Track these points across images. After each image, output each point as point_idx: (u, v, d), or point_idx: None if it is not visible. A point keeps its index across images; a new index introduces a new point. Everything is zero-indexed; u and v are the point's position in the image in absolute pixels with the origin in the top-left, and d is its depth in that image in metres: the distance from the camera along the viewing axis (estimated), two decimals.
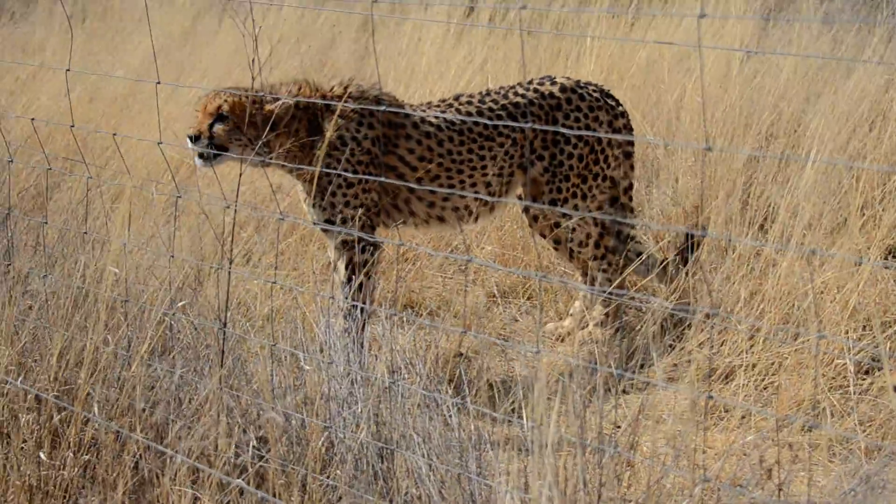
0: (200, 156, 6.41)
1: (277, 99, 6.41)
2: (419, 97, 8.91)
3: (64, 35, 11.63)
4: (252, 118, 6.37)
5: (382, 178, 5.81)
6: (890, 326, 6.25)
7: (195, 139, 6.38)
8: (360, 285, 6.44)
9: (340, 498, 4.49)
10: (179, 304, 5.21)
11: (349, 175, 5.69)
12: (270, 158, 6.42)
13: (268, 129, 6.35)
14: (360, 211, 6.45)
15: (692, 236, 6.71)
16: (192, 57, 10.91)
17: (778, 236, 6.81)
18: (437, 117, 6.59)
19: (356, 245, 6.45)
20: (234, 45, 10.68)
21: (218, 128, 6.38)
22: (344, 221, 6.44)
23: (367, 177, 5.76)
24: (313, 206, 6.49)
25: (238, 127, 6.37)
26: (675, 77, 8.75)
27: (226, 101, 6.38)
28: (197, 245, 6.88)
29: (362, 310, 6.30)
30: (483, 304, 7.29)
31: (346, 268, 6.50)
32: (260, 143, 6.33)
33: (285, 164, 6.42)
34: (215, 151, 6.39)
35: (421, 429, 4.48)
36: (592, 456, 3.93)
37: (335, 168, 6.41)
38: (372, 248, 6.50)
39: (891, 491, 4.39)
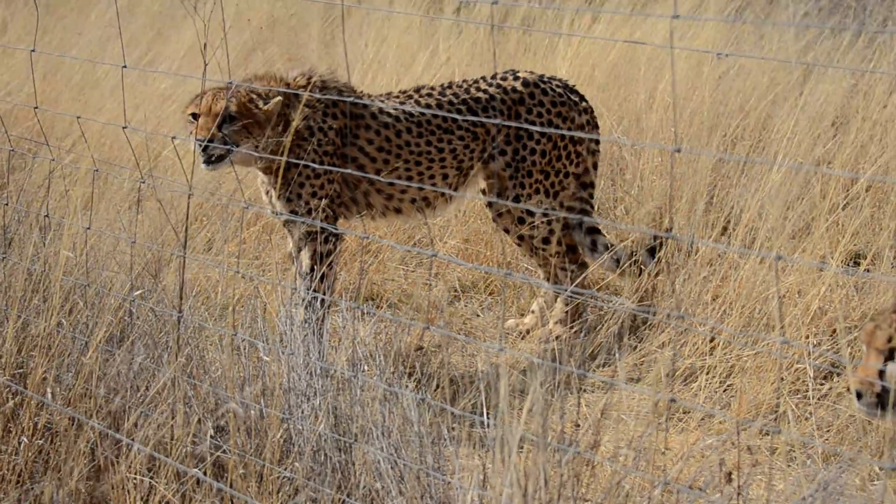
0: (207, 158, 6.27)
1: (263, 96, 6.36)
2: (384, 89, 8.88)
3: (28, 15, 11.52)
4: (256, 118, 6.30)
5: (349, 171, 5.77)
6: (850, 332, 6.26)
7: (208, 143, 6.23)
8: (322, 276, 6.41)
9: (298, 490, 4.46)
10: (138, 292, 5.16)
11: (317, 166, 5.65)
12: (259, 151, 6.34)
13: (271, 127, 6.30)
14: (324, 202, 6.41)
15: (657, 237, 6.71)
16: (158, 41, 10.83)
17: (742, 239, 6.82)
18: (395, 109, 6.56)
19: (319, 236, 6.41)
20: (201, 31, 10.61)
21: (227, 129, 6.28)
22: (309, 212, 6.40)
23: (335, 169, 5.72)
24: (279, 196, 6.45)
25: (245, 127, 6.29)
26: (645, 77, 8.75)
27: (232, 101, 6.26)
28: (158, 231, 6.83)
29: (322, 301, 6.27)
30: (445, 299, 7.26)
31: (310, 258, 6.46)
32: (264, 140, 6.27)
33: (263, 155, 6.34)
34: (219, 155, 6.27)
35: (380, 422, 4.46)
36: (553, 455, 3.91)
37: (302, 158, 6.37)
38: (334, 238, 6.47)
39: (847, 497, 4.39)
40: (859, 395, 4.75)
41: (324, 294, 6.34)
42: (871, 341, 4.75)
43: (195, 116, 6.34)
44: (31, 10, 11.25)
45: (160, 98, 9.38)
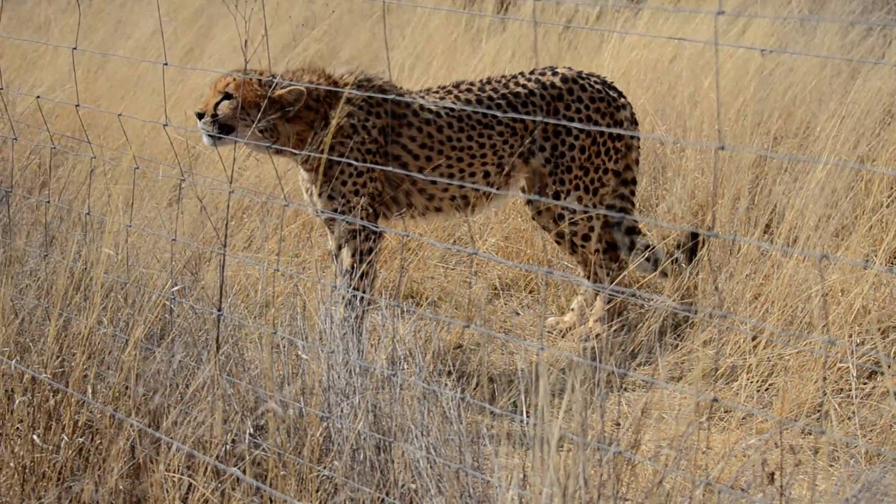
0: (209, 135, 6.40)
1: (289, 84, 6.40)
2: (427, 86, 8.88)
3: (71, 13, 11.59)
4: (258, 100, 6.35)
5: (391, 168, 5.78)
6: (893, 331, 6.21)
7: (201, 115, 6.40)
8: (363, 274, 6.42)
9: (337, 489, 4.46)
10: (176, 289, 5.18)
11: (359, 164, 5.66)
12: (279, 145, 6.40)
13: (273, 112, 6.34)
14: (365, 200, 6.42)
15: (697, 235, 6.67)
16: (200, 39, 10.87)
17: (784, 238, 6.78)
18: (436, 104, 6.56)
19: (360, 234, 6.42)
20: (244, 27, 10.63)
21: (223, 105, 6.37)
22: (350, 210, 6.42)
23: (378, 167, 5.72)
24: (320, 194, 6.46)
25: (243, 107, 6.36)
26: (689, 75, 8.71)
27: (234, 79, 6.37)
28: (199, 229, 6.86)
29: (362, 298, 6.28)
30: (485, 297, 7.25)
31: (350, 256, 6.47)
32: (261, 124, 6.31)
33: (297, 151, 6.38)
34: (219, 132, 6.37)
35: (419, 421, 4.45)
36: (593, 454, 3.90)
37: (345, 156, 6.39)
38: (375, 236, 6.47)
39: (892, 498, 4.35)
40: None
41: (363, 292, 6.35)
42: None
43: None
44: (74, 9, 11.32)
45: (200, 95, 9.42)
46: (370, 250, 6.47)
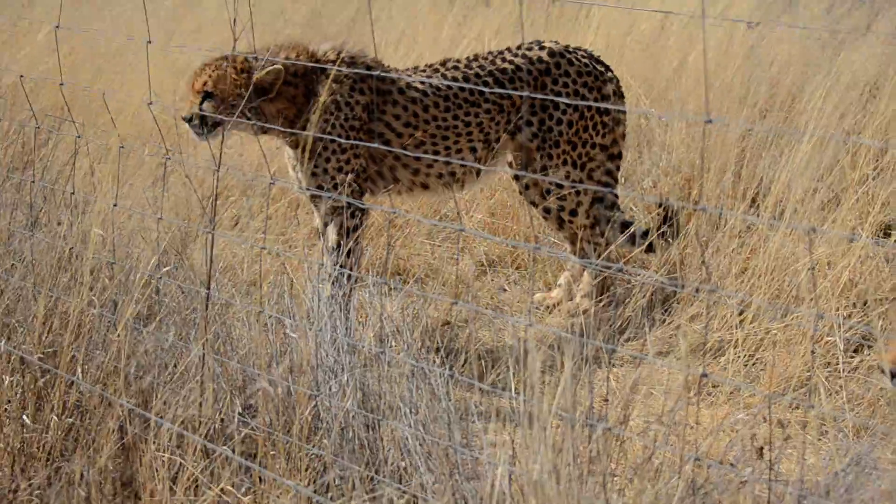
0: (197, 134, 6.43)
1: (267, 63, 6.39)
2: (411, 63, 8.87)
3: None
4: (238, 89, 6.37)
5: (376, 145, 5.78)
6: (880, 304, 6.24)
7: (189, 120, 6.43)
8: (349, 251, 6.42)
9: (326, 467, 4.47)
10: (166, 269, 5.18)
11: (343, 140, 5.66)
12: (266, 124, 6.41)
13: (257, 96, 6.36)
14: (350, 176, 6.42)
15: (673, 209, 6.68)
16: (183, 15, 10.83)
17: (771, 211, 6.79)
18: (422, 83, 6.56)
19: (345, 210, 6.42)
20: (223, 7, 10.59)
21: (207, 105, 6.40)
22: (335, 187, 6.42)
23: (361, 143, 5.73)
24: (304, 171, 6.47)
25: (224, 101, 6.38)
26: (675, 48, 8.71)
27: (210, 77, 6.39)
28: (184, 207, 6.85)
29: (349, 276, 6.29)
30: (472, 274, 7.26)
31: (336, 233, 6.47)
32: (241, 110, 6.33)
33: (283, 129, 6.39)
34: (208, 129, 6.40)
35: (408, 399, 4.46)
36: (582, 430, 3.92)
37: (329, 133, 6.39)
38: (360, 213, 6.48)
39: (880, 471, 4.38)
40: (893, 375, 4.73)
41: (350, 269, 6.36)
42: None
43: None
44: None
45: (182, 71, 9.39)
46: (356, 227, 6.47)
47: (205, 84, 6.40)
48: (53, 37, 5.86)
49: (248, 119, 6.37)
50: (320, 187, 6.43)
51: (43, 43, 9.85)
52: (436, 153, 6.56)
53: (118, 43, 9.78)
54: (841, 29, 8.91)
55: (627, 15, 9.15)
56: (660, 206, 6.71)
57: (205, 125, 6.39)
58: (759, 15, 9.33)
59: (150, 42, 5.41)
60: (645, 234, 6.80)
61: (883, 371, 4.74)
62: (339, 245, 6.46)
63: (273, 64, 6.38)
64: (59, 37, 5.86)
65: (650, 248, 6.79)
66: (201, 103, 6.40)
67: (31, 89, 9.02)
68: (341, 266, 6.38)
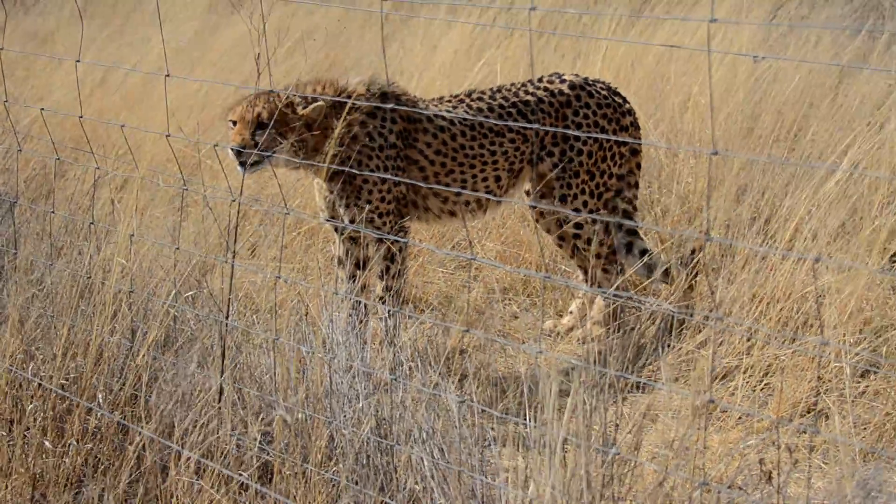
0: (242, 164, 6.32)
1: (308, 101, 6.38)
2: (434, 91, 8.92)
3: (74, 26, 11.59)
4: (290, 123, 6.34)
5: (408, 181, 5.81)
6: (886, 331, 6.22)
7: (240, 151, 6.28)
8: (397, 273, 6.47)
9: (340, 492, 4.46)
10: (188, 294, 5.18)
11: (384, 175, 5.67)
12: (305, 158, 6.38)
13: (304, 131, 6.35)
14: (394, 205, 6.49)
15: (695, 251, 6.69)
16: (202, 51, 10.87)
17: (783, 240, 6.79)
18: (449, 112, 6.60)
19: (391, 235, 6.45)
20: (243, 38, 10.64)
21: (260, 136, 6.31)
22: (380, 216, 6.44)
23: (395, 178, 5.75)
24: (347, 205, 6.46)
25: (280, 133, 6.33)
26: (681, 80, 8.72)
27: (264, 108, 6.32)
28: (202, 237, 6.85)
29: (399, 291, 6.38)
30: (487, 303, 7.25)
31: (383, 258, 6.50)
32: (298, 145, 6.32)
33: (317, 164, 6.36)
34: (257, 159, 6.32)
35: (424, 424, 4.45)
36: (595, 456, 3.90)
37: (367, 164, 6.41)
38: (404, 234, 6.54)
39: (886, 495, 4.36)
40: None
41: (398, 291, 6.42)
42: None
43: (234, 123, 6.40)
44: (77, 21, 11.31)
45: (201, 103, 9.42)
46: (401, 249, 6.52)
47: (258, 116, 6.32)
48: (74, 70, 5.88)
49: (296, 153, 6.34)
50: (362, 217, 6.44)
51: (66, 77, 9.88)
52: (463, 181, 6.59)
53: (139, 76, 9.81)
54: (842, 63, 8.91)
55: (633, 49, 9.16)
56: (693, 252, 6.71)
57: (255, 157, 6.29)
58: (762, 47, 9.34)
59: (168, 76, 5.42)
60: (666, 272, 6.78)
61: None
62: (387, 269, 6.49)
63: (316, 100, 6.37)
64: (81, 71, 5.88)
65: (666, 277, 6.78)
66: (253, 134, 6.33)
67: (54, 121, 9.06)
68: (388, 288, 6.47)
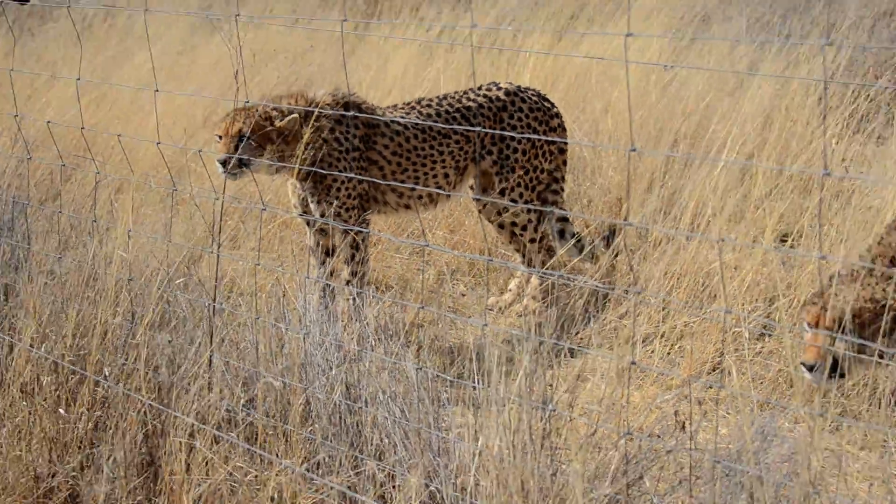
0: (227, 173, 6.31)
1: (283, 113, 6.38)
2: (387, 101, 8.95)
3: (74, 48, 11.49)
4: (268, 135, 6.34)
5: (370, 179, 5.83)
6: (778, 300, 6.30)
7: (225, 163, 6.29)
8: (362, 259, 6.50)
9: (317, 448, 4.49)
10: (180, 281, 5.18)
11: (351, 175, 5.70)
12: (281, 161, 6.39)
13: (279, 140, 6.35)
14: (358, 200, 6.51)
15: (614, 227, 6.76)
16: (187, 68, 10.81)
17: (688, 224, 6.87)
18: (402, 118, 6.62)
19: (355, 226, 6.48)
20: (222, 56, 10.59)
21: (242, 147, 6.30)
22: (347, 210, 6.46)
23: (358, 177, 5.77)
24: (318, 202, 6.47)
25: (260, 145, 6.33)
26: (602, 87, 8.78)
27: (245, 123, 6.31)
28: (191, 231, 6.84)
29: (363, 275, 6.49)
30: (438, 283, 7.29)
31: (350, 246, 6.52)
32: (275, 154, 6.33)
33: (291, 166, 6.37)
34: (240, 167, 6.32)
35: (387, 389, 4.48)
36: (535, 412, 3.95)
37: (335, 165, 6.42)
38: (365, 225, 6.57)
39: (781, 438, 4.44)
40: (811, 368, 4.79)
41: (364, 273, 6.45)
42: (819, 321, 4.80)
43: (220, 137, 6.40)
44: (78, 46, 11.22)
45: (187, 114, 9.39)
46: (364, 238, 6.55)
47: (240, 130, 6.32)
48: (76, 88, 5.85)
49: (274, 159, 6.34)
50: (332, 212, 6.45)
51: (68, 94, 9.81)
52: (416, 178, 6.63)
53: (131, 91, 9.75)
54: (739, 71, 9.00)
55: (557, 61, 9.22)
56: (612, 231, 6.77)
57: (238, 166, 6.29)
58: (670, 56, 9.42)
59: (157, 91, 5.41)
60: (585, 246, 6.85)
61: (805, 366, 4.79)
62: (353, 256, 6.51)
63: (291, 113, 6.37)
64: (80, 88, 5.85)
65: (592, 258, 6.85)
66: (237, 147, 6.33)
67: (57, 133, 9.00)
68: (353, 272, 6.50)
